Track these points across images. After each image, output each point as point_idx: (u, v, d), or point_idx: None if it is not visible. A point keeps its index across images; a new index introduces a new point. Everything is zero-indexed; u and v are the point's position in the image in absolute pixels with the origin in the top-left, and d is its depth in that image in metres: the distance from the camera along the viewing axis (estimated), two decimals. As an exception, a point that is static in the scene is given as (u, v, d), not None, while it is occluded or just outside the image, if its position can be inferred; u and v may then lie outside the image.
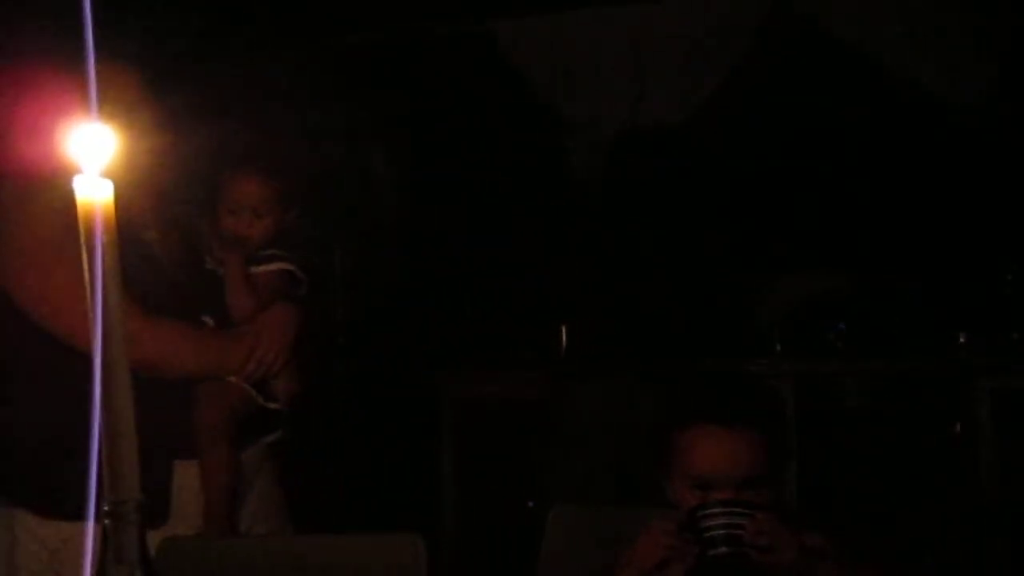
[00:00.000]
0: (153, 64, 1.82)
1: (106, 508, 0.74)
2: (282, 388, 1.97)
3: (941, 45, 3.96)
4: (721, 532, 1.45)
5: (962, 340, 3.90)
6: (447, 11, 4.27)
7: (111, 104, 1.72)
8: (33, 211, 1.73)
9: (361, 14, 4.22)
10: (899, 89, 4.13)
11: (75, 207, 1.71)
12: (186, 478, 1.84)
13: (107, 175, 0.69)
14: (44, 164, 1.51)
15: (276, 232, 2.02)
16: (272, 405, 1.95)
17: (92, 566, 0.65)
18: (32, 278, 1.74)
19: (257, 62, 3.76)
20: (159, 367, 1.79)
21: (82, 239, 0.68)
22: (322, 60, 4.27)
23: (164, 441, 1.80)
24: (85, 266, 0.67)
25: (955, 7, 3.96)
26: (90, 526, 0.62)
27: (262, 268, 1.99)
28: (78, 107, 0.69)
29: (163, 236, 1.88)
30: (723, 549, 1.45)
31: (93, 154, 0.68)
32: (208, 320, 1.91)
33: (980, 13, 3.91)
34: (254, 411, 1.92)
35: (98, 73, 1.67)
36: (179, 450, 1.83)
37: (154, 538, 1.69)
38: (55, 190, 1.64)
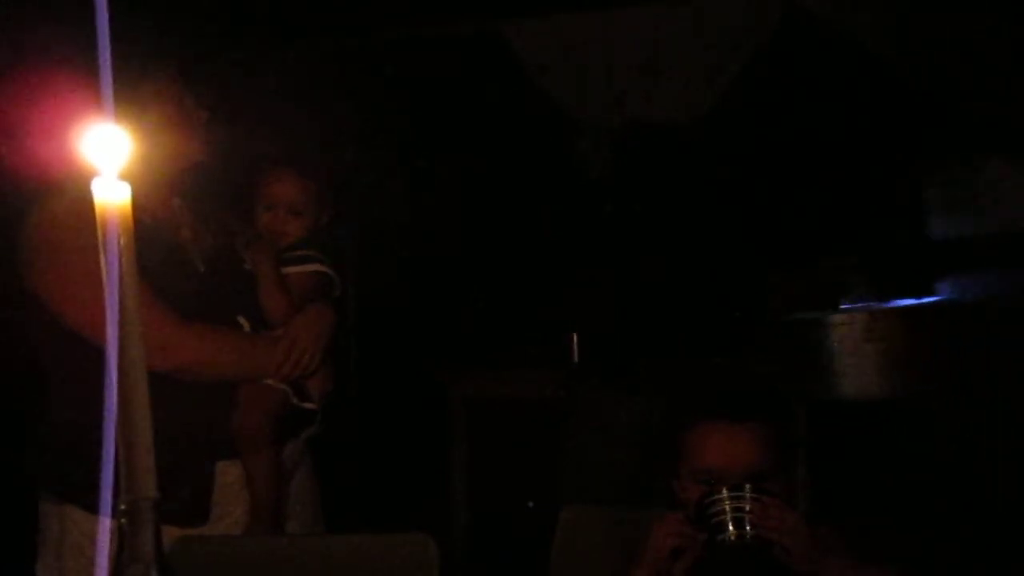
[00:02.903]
0: (168, 66, 1.83)
1: (122, 507, 0.74)
2: (317, 388, 1.99)
3: (953, 46, 3.95)
4: (728, 517, 1.47)
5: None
6: (459, 12, 4.28)
7: (151, 110, 1.75)
8: (51, 214, 1.74)
9: (372, 15, 4.23)
10: (911, 89, 4.11)
11: (91, 208, 1.73)
12: (227, 477, 1.88)
13: (124, 177, 0.69)
14: (62, 165, 1.52)
15: (310, 233, 2.04)
16: (308, 405, 1.98)
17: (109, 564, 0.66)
18: (54, 281, 1.77)
19: (271, 64, 3.78)
20: (196, 371, 1.82)
21: (99, 241, 0.68)
22: (334, 62, 4.28)
23: (205, 442, 1.85)
24: (103, 267, 0.68)
25: (966, 8, 3.95)
26: (106, 524, 0.62)
27: (296, 269, 2.01)
28: (95, 108, 0.69)
29: (197, 235, 1.92)
30: (731, 532, 1.47)
31: (110, 156, 0.69)
32: (243, 322, 1.92)
33: (993, 17, 3.90)
34: (292, 411, 1.95)
35: (144, 85, 1.68)
36: (220, 450, 1.87)
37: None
38: (73, 191, 1.67)
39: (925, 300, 3.58)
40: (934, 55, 3.82)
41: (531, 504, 3.90)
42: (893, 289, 3.62)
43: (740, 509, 1.48)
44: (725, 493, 1.48)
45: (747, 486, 1.49)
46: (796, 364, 3.28)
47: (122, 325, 0.64)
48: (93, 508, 1.76)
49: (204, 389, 1.84)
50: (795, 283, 3.72)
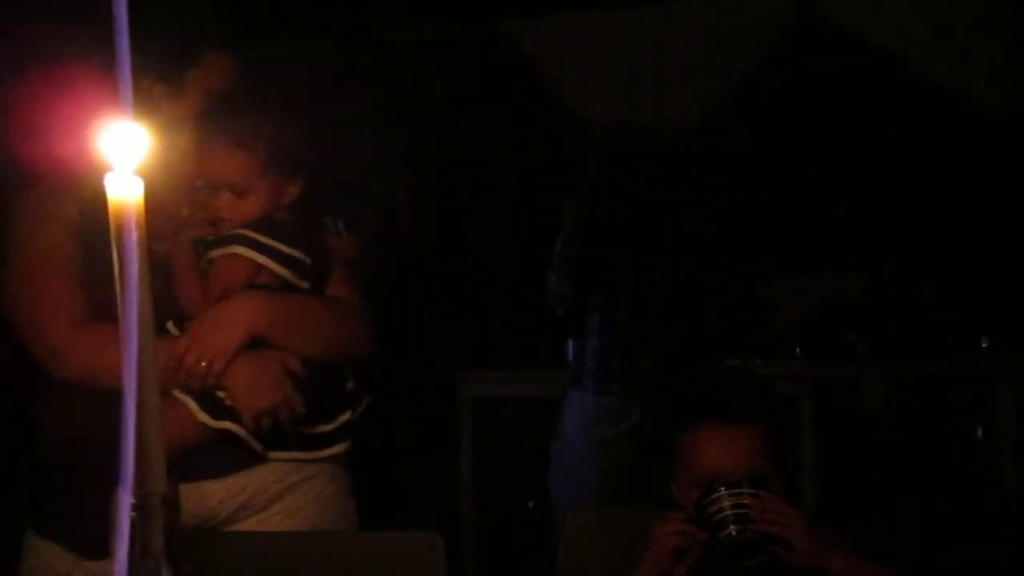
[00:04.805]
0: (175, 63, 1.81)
1: (133, 502, 0.75)
2: (244, 402, 1.63)
3: (966, 46, 3.94)
4: (728, 513, 1.47)
5: (984, 344, 3.87)
6: (469, 12, 4.28)
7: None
8: (18, 226, 1.69)
9: (375, 16, 4.23)
10: (922, 90, 4.10)
11: (54, 219, 1.69)
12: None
13: (139, 173, 0.69)
14: (77, 163, 1.51)
15: (268, 211, 1.71)
16: (220, 425, 1.62)
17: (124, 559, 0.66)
18: (13, 297, 1.68)
19: (284, 60, 3.78)
20: (92, 379, 1.60)
21: (113, 238, 0.69)
22: (346, 60, 4.28)
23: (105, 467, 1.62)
24: (115, 266, 0.68)
25: (981, 8, 3.94)
26: (124, 518, 0.63)
27: (216, 253, 1.69)
28: (111, 105, 0.69)
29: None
30: (732, 528, 1.47)
31: (126, 152, 0.69)
32: (172, 328, 1.66)
33: (1005, 13, 3.88)
34: (206, 432, 1.63)
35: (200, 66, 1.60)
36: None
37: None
38: (46, 201, 1.65)
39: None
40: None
41: (531, 504, 3.91)
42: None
43: (740, 506, 1.47)
44: (723, 491, 1.48)
45: (744, 483, 1.50)
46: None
47: (139, 322, 0.64)
48: (69, 546, 1.67)
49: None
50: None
